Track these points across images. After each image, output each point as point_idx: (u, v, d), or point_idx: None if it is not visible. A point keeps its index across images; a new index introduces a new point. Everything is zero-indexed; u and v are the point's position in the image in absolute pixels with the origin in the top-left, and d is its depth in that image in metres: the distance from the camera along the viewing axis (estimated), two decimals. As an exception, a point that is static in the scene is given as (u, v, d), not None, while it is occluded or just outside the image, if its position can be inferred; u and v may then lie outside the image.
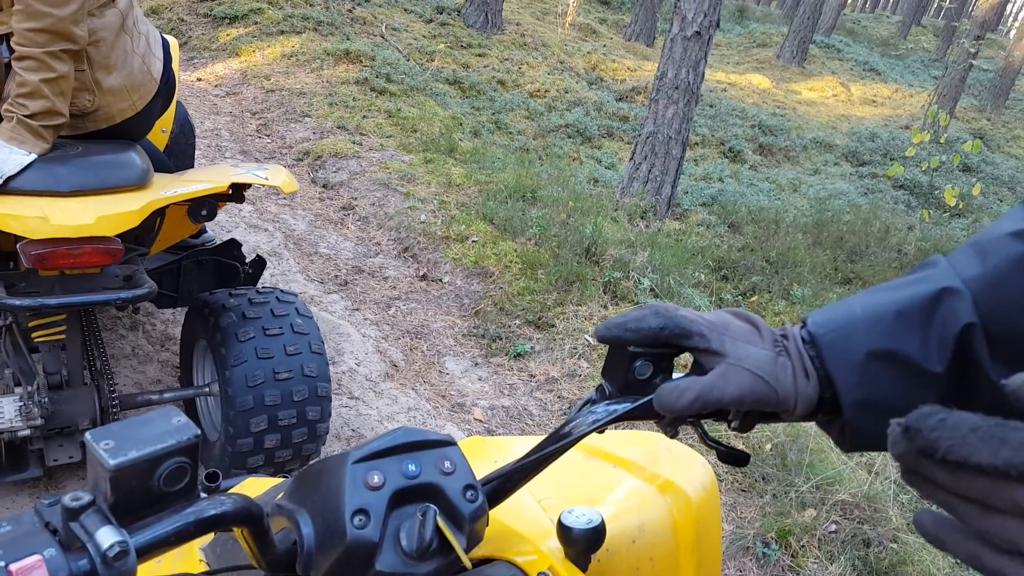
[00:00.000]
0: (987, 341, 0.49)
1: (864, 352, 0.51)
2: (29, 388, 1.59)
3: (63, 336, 1.65)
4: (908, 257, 4.70)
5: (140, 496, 0.40)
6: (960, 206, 5.68)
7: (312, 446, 1.84)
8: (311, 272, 3.36)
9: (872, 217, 5.27)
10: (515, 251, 3.53)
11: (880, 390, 0.51)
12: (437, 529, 0.51)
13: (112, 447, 0.39)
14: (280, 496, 0.58)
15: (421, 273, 3.50)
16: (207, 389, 1.87)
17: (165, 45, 1.81)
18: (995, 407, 0.51)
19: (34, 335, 1.63)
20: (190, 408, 2.02)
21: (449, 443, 0.56)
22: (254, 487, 0.77)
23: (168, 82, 1.78)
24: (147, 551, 0.39)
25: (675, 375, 0.64)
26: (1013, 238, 0.51)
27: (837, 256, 4.57)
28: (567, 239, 3.60)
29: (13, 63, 1.43)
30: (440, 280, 3.44)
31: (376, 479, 0.51)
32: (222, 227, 3.46)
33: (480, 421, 2.56)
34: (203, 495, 0.45)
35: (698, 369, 0.57)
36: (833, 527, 2.11)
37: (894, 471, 2.38)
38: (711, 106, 8.45)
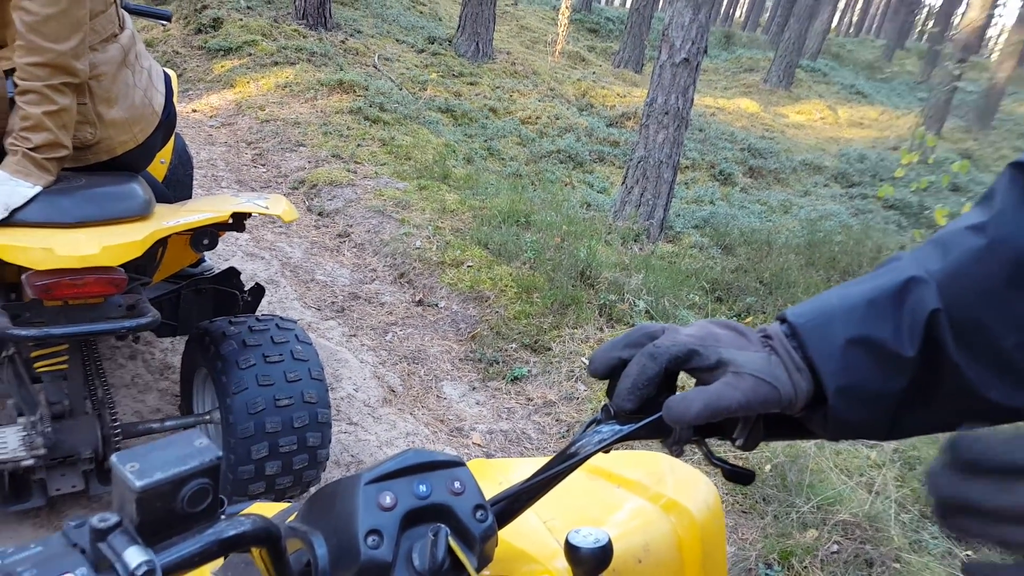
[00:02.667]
0: (950, 327, 0.52)
1: (843, 339, 0.53)
2: (32, 418, 1.59)
3: (65, 366, 1.66)
4: (900, 276, 4.74)
5: (164, 517, 0.41)
6: (949, 225, 5.76)
7: (312, 472, 1.84)
8: (308, 299, 3.37)
9: (864, 237, 5.34)
10: (510, 275, 3.55)
11: (859, 375, 0.53)
12: (449, 549, 0.51)
13: (138, 469, 0.40)
14: (292, 518, 0.58)
15: (417, 299, 3.52)
16: (207, 417, 1.87)
17: (167, 79, 1.85)
18: (957, 393, 0.54)
19: (36, 365, 1.63)
20: (189, 437, 2.01)
21: (459, 464, 0.57)
22: (260, 512, 0.78)
23: (169, 115, 1.81)
24: (172, 571, 0.40)
25: (679, 393, 0.66)
26: (970, 231, 0.54)
27: (831, 277, 4.61)
28: (562, 263, 3.63)
29: (16, 98, 1.46)
30: (436, 305, 3.45)
31: (388, 500, 0.52)
32: (219, 256, 3.47)
33: (478, 445, 2.56)
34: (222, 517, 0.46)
35: (701, 384, 0.58)
36: (835, 548, 2.10)
37: (895, 490, 2.38)
38: (700, 130, 8.57)
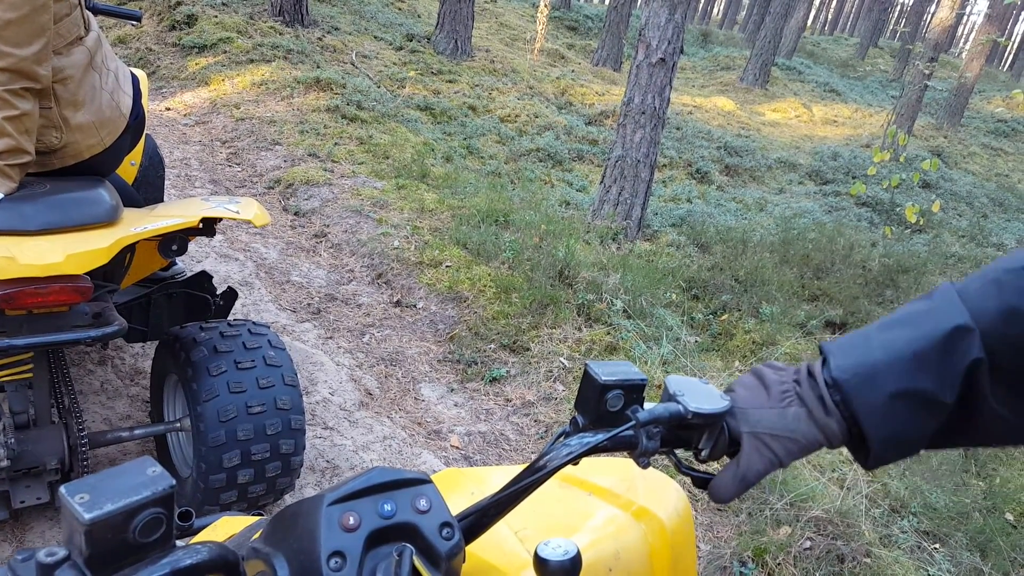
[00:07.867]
0: (991, 372, 0.53)
1: (887, 394, 0.55)
2: (-6, 429, 1.55)
3: (30, 375, 1.62)
4: (872, 273, 4.82)
5: (115, 548, 0.40)
6: (921, 222, 5.87)
7: (286, 480, 1.82)
8: (283, 301, 3.33)
9: (836, 235, 5.41)
10: (489, 275, 3.55)
11: (901, 425, 0.55)
12: (413, 569, 0.51)
13: (87, 501, 0.39)
14: (255, 538, 0.58)
15: (395, 299, 3.50)
16: (178, 424, 1.84)
17: (135, 81, 1.81)
18: (990, 427, 0.56)
19: (0, 374, 1.60)
20: (161, 444, 1.98)
21: (424, 481, 0.56)
22: (228, 526, 0.77)
23: (138, 118, 1.78)
24: (124, 605, 0.40)
25: (646, 405, 0.66)
26: None
27: (804, 273, 4.67)
28: (540, 262, 3.63)
29: None
30: (414, 306, 3.43)
31: (352, 520, 0.51)
32: (192, 257, 3.42)
33: (457, 448, 2.55)
34: (177, 542, 0.45)
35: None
36: (808, 544, 2.13)
37: (865, 485, 2.43)
38: (678, 128, 8.63)
